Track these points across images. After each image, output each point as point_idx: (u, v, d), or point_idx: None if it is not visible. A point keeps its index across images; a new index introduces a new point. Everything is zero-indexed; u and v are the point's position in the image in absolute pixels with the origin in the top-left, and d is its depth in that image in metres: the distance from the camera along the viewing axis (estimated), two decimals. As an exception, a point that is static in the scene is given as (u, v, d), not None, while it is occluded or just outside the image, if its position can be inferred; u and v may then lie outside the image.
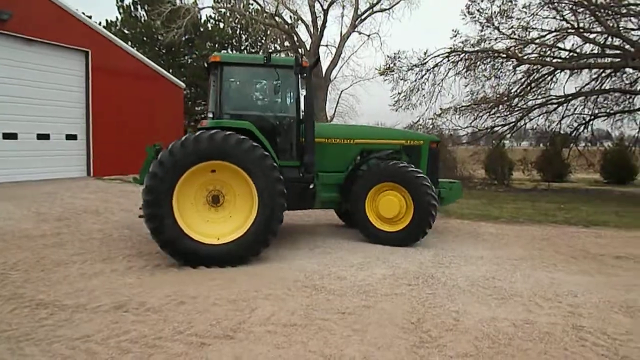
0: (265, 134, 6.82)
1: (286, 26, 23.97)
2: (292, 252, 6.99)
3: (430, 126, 18.27)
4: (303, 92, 7.35)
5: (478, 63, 17.27)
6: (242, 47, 28.31)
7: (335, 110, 27.07)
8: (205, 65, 7.75)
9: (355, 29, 23.93)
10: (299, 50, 23.43)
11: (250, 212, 6.26)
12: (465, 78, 17.79)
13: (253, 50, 28.39)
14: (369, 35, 24.71)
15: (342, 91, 27.66)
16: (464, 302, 4.93)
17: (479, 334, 4.09)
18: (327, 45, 26.30)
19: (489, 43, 17.32)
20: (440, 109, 18.05)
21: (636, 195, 17.34)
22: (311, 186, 7.27)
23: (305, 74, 7.29)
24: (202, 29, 26.87)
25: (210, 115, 7.23)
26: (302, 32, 24.63)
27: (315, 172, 7.41)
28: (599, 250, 7.67)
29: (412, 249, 7.30)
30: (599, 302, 4.95)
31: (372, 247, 7.33)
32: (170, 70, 21.91)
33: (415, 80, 17.73)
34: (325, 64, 23.87)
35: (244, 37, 28.60)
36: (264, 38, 26.89)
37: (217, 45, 27.06)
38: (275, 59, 7.32)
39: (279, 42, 26.89)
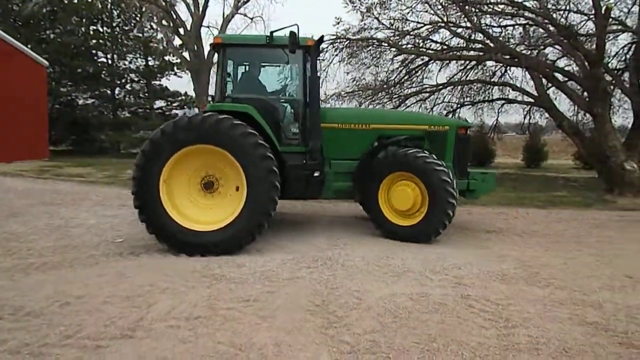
0: (267, 119, 6.57)
1: (164, 3, 22.56)
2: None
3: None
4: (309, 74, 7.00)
5: (360, 51, 17.90)
6: (114, 24, 26.08)
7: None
8: (210, 47, 7.70)
9: (239, 11, 23.37)
10: (179, 30, 22.22)
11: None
12: (350, 65, 18.33)
13: (126, 28, 26.30)
14: (252, 18, 24.31)
15: (226, 75, 26.97)
16: (362, 281, 5.10)
17: (382, 310, 4.26)
18: (209, 27, 25.32)
19: (370, 32, 18.03)
20: (325, 94, 18.41)
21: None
22: (316, 174, 6.88)
23: (311, 54, 6.90)
24: (66, 1, 24.17)
25: (210, 99, 7.12)
26: (182, 11, 23.47)
27: (328, 159, 7.17)
28: (473, 226, 8.48)
29: (307, 233, 7.38)
30: (479, 273, 5.46)
31: (269, 232, 7.27)
32: (29, 46, 19.41)
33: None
34: (207, 46, 22.98)
35: (115, 12, 26.35)
36: (140, 15, 25.04)
37: (84, 20, 24.59)
38: (278, 39, 6.81)
39: (155, 20, 25.21)
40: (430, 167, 6.65)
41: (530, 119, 19.51)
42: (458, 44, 17.97)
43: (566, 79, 14.18)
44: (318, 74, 7.14)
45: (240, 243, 6.03)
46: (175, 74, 29.10)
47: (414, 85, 18.67)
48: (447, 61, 17.41)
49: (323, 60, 17.52)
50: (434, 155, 6.84)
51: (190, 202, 6.20)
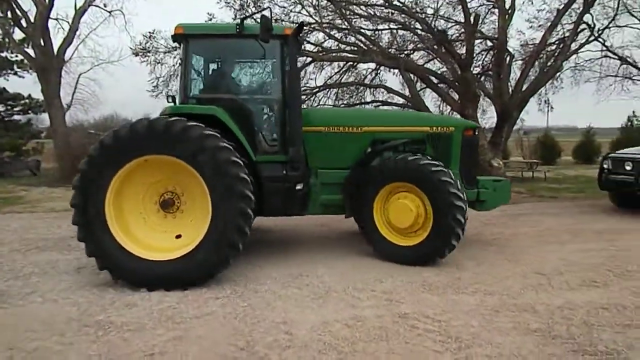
0: (239, 123, 5.62)
1: (-2, -12, 19.11)
2: (44, 278, 5.29)
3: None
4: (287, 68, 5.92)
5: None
6: None
7: (72, 97, 23.06)
8: (172, 39, 6.21)
9: (94, 3, 20.77)
10: (21, 21, 19.02)
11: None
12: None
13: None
14: (110, 12, 21.80)
15: (80, 75, 23.76)
16: (284, 309, 4.39)
17: (321, 346, 3.60)
18: (57, 19, 22.06)
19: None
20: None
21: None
22: (299, 186, 5.87)
23: (288, 44, 5.82)
24: None
25: (170, 100, 6.06)
26: (24, 0, 20.12)
27: (313, 169, 6.20)
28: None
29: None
30: (404, 284, 5.08)
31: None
32: None
33: (175, 65, 16.37)
34: (56, 42, 20.03)
35: None
36: (-35, 2, 20.94)
37: None
38: (250, 27, 5.80)
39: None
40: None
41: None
42: (331, 46, 18.01)
43: (438, 81, 14.93)
44: (298, 68, 6.21)
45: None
46: (15, 74, 25.07)
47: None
48: (329, 62, 17.36)
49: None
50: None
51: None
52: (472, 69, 14.18)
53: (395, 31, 15.73)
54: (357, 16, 15.62)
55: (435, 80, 14.79)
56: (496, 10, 14.64)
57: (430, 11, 14.06)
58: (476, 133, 6.65)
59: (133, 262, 4.87)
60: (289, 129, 5.84)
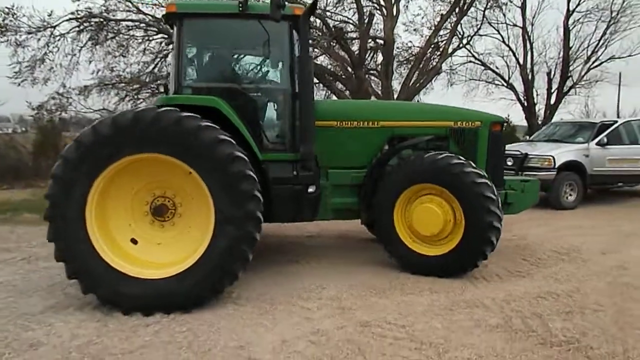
0: (242, 115, 4.78)
1: None
2: None
3: (54, 108, 15.02)
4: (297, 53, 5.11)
5: (105, 35, 15.24)
6: None
7: None
8: (163, 20, 5.52)
9: None
10: None
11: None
12: (92, 52, 15.45)
13: None
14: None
15: None
16: (234, 330, 3.86)
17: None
18: None
19: (116, 14, 15.53)
20: (68, 87, 15.07)
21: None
22: (311, 189, 5.10)
23: (299, 26, 4.95)
24: None
25: (163, 89, 5.32)
26: None
27: (324, 168, 5.45)
28: (283, 231, 7.86)
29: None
30: (349, 289, 4.84)
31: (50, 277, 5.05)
32: None
33: (40, 48, 14.09)
34: None
35: None
36: None
37: None
38: (256, 6, 4.98)
39: None
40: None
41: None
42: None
43: (332, 79, 15.02)
44: (310, 54, 5.23)
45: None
46: None
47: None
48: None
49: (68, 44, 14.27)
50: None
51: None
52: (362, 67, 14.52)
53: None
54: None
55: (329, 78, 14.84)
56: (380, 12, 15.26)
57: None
58: (503, 128, 6.10)
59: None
60: (299, 124, 5.07)
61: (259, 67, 5.74)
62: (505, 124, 5.95)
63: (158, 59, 16.68)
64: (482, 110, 6.03)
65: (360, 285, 4.95)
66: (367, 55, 14.31)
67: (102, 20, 14.64)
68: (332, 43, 13.31)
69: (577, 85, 22.38)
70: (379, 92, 14.94)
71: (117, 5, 14.94)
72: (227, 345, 3.57)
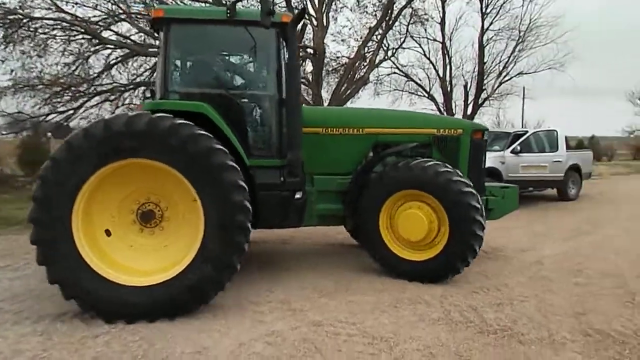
0: (230, 121, 4.79)
1: None
2: None
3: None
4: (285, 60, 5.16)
5: (19, 33, 14.22)
6: None
7: None
8: (149, 25, 5.59)
9: None
10: None
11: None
12: (6, 51, 14.36)
13: None
14: None
15: None
16: (187, 337, 3.86)
17: (257, 371, 3.25)
18: None
19: (33, 12, 14.57)
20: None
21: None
22: (298, 195, 5.16)
23: (287, 34, 5.02)
24: None
25: (149, 95, 5.53)
26: None
27: (309, 174, 5.46)
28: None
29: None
30: (295, 290, 4.97)
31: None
32: None
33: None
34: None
35: None
36: None
37: None
38: (243, 12, 5.10)
39: None
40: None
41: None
42: (144, 39, 16.60)
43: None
44: (298, 60, 5.22)
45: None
46: None
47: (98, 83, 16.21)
48: (135, 57, 15.88)
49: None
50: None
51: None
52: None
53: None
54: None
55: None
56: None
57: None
58: (484, 136, 6.20)
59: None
60: (286, 130, 5.09)
61: (246, 73, 5.75)
62: (485, 132, 6.23)
63: (80, 61, 15.87)
64: (464, 120, 6.32)
65: (308, 287, 5.11)
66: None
67: (18, 17, 13.67)
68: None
69: (491, 98, 24.28)
70: (310, 101, 15.23)
71: (34, 1, 14.06)
72: (185, 351, 3.56)
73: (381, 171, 5.51)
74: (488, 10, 22.04)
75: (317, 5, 14.34)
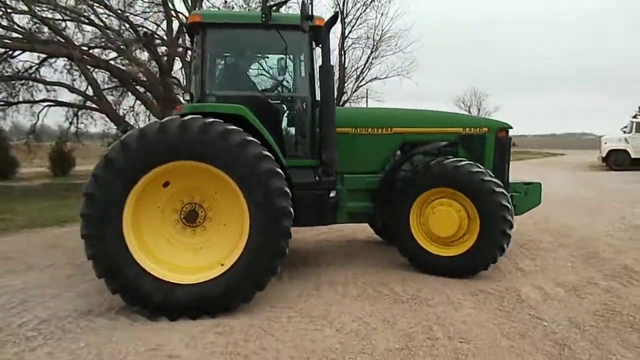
0: (266, 123, 4.92)
1: None
2: None
3: None
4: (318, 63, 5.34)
5: None
6: None
7: None
8: (185, 29, 5.86)
9: None
10: None
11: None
12: None
13: None
14: None
15: None
16: (140, 335, 3.91)
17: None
18: None
19: None
20: None
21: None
22: (332, 194, 5.37)
23: (320, 37, 5.30)
24: None
25: (188, 97, 5.43)
26: None
27: (340, 174, 5.59)
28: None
29: None
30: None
31: None
32: None
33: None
34: None
35: None
36: None
37: None
38: (278, 17, 5.27)
39: None
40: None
41: (78, 123, 18.27)
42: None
43: (136, 84, 14.33)
44: (331, 63, 5.15)
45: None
46: None
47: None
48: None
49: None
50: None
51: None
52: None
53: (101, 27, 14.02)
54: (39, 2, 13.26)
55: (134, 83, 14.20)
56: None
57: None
58: (508, 134, 6.34)
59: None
60: (321, 131, 5.30)
61: (280, 76, 5.73)
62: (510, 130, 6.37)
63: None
64: (490, 118, 6.40)
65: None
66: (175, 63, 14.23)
67: None
68: (141, 49, 12.87)
69: (350, 100, 26.29)
70: (185, 102, 14.95)
71: None
72: (139, 350, 3.63)
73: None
74: (348, 19, 23.88)
75: (189, 4, 14.14)
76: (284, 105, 5.63)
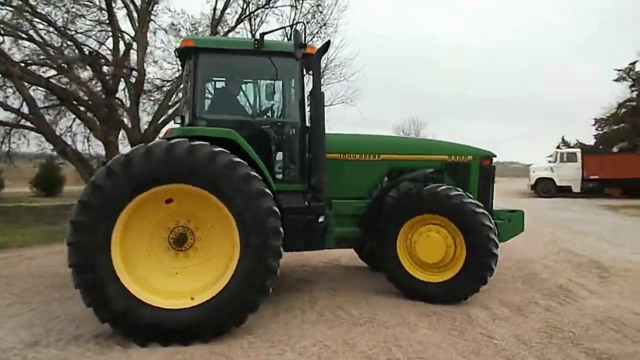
0: (256, 147, 4.89)
1: None
2: None
3: None
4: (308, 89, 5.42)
5: None
6: None
7: None
8: (176, 54, 5.82)
9: None
10: None
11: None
12: None
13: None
14: None
15: None
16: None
17: None
18: None
19: None
20: None
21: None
22: (321, 219, 5.32)
23: (311, 64, 5.39)
24: None
25: (179, 121, 5.25)
26: None
27: (327, 199, 5.55)
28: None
29: None
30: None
31: None
32: None
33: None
34: None
35: None
36: None
37: None
38: (270, 44, 5.31)
39: None
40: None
41: (10, 144, 17.07)
42: None
43: (78, 104, 13.74)
44: (321, 90, 5.32)
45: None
46: None
47: None
48: None
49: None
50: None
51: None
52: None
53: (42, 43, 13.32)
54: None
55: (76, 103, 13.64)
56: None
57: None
58: (492, 162, 6.46)
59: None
60: (310, 156, 5.31)
61: (271, 102, 5.73)
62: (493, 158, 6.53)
63: None
64: (474, 146, 6.58)
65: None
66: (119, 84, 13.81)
67: None
68: (86, 68, 12.45)
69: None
70: (128, 123, 14.58)
71: None
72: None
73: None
74: (295, 47, 24.16)
75: (137, 25, 13.91)
76: (275, 130, 5.63)
